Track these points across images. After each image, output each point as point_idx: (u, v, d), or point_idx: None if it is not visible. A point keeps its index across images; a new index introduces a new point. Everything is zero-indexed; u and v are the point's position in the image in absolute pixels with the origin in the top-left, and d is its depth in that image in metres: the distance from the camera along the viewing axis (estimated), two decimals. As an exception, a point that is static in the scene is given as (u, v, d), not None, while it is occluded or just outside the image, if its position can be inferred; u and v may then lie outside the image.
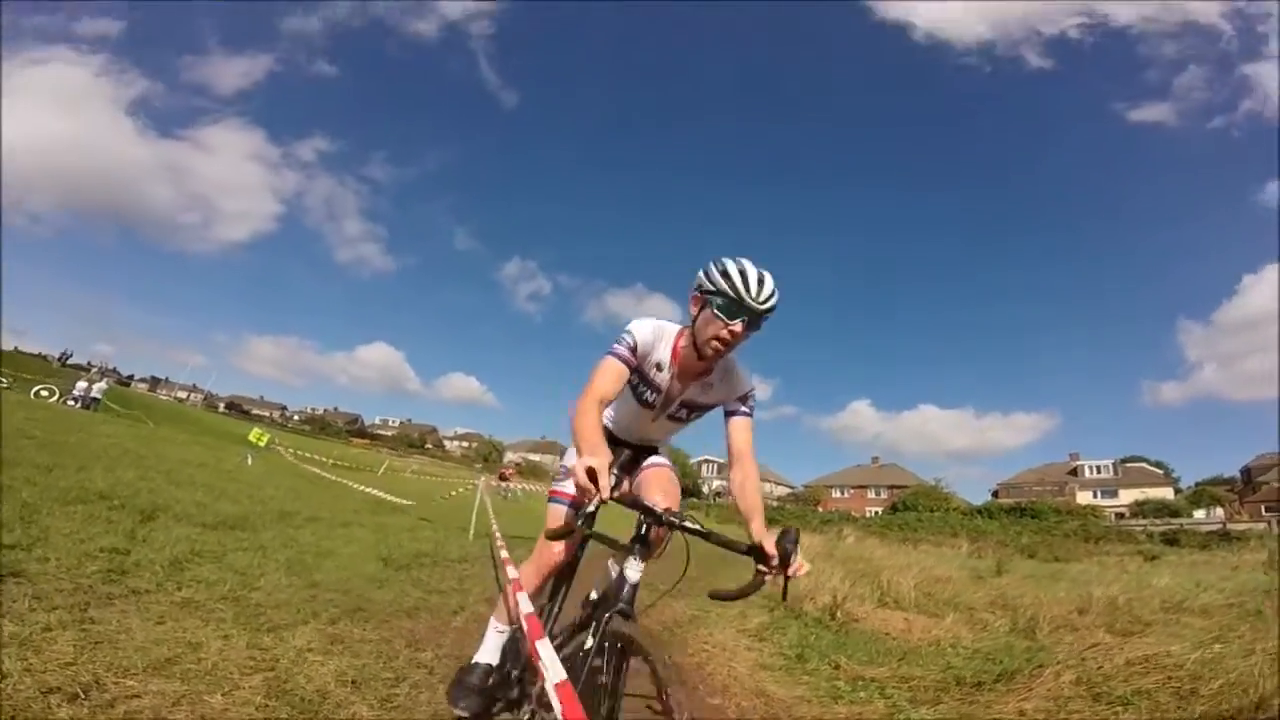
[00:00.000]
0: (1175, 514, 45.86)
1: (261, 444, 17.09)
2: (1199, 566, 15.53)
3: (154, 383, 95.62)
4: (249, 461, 13.19)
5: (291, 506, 7.37)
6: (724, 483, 67.15)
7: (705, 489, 66.59)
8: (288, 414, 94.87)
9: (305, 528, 6.12)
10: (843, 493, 64.54)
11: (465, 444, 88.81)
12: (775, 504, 58.30)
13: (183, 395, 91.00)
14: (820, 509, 57.51)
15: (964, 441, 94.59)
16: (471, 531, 8.58)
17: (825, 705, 3.36)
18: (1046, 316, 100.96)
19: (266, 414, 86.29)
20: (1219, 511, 46.68)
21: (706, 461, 72.12)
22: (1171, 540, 33.30)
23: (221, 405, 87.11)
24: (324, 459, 20.14)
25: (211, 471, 9.68)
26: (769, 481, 68.85)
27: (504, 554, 4.71)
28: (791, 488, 69.64)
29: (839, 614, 5.36)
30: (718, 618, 5.79)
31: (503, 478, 30.04)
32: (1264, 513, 44.13)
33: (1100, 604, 6.45)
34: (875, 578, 7.39)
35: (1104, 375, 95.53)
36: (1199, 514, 46.24)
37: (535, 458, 78.27)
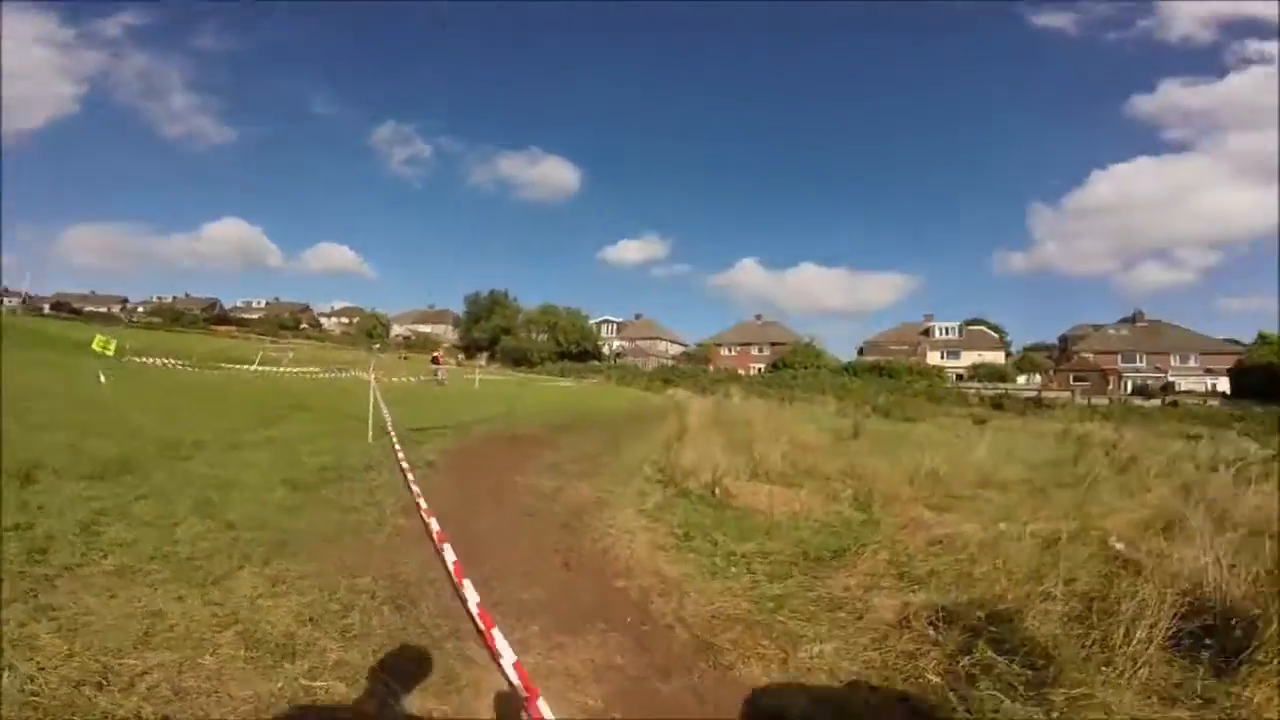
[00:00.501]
0: (1003, 378, 52.46)
1: (109, 353, 15.50)
2: (1014, 434, 17.49)
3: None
4: (102, 379, 12.12)
5: (170, 432, 7.14)
6: (624, 343, 69.36)
7: (605, 350, 68.37)
8: (129, 307, 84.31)
9: (194, 458, 6.07)
10: (730, 350, 68.71)
11: (345, 320, 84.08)
12: (670, 363, 61.46)
13: (-5, 301, 77.82)
14: (710, 367, 61.37)
15: (839, 300, 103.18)
16: (370, 431, 8.60)
17: (705, 581, 4.11)
18: (924, 185, 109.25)
19: (104, 310, 76.26)
20: (1037, 378, 54.21)
21: (606, 322, 73.56)
22: (997, 404, 38.10)
23: (46, 307, 75.76)
24: (188, 362, 18.61)
25: (65, 401, 8.96)
26: (663, 340, 71.79)
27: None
28: (684, 346, 73.18)
29: (717, 491, 6.28)
30: (619, 499, 6.57)
31: (435, 361, 28.42)
32: (1073, 381, 51.92)
33: (924, 477, 7.45)
34: (749, 449, 8.49)
35: (964, 242, 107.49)
36: (1021, 379, 53.43)
37: (425, 329, 76.01)
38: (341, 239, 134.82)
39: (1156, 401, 43.14)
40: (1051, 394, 45.15)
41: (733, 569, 4.34)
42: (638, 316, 76.67)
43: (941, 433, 17.66)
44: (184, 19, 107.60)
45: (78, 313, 66.86)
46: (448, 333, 73.86)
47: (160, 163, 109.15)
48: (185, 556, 3.41)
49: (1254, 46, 77.28)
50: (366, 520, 4.69)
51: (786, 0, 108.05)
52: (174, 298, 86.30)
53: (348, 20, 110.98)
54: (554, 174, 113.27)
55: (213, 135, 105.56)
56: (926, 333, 64.38)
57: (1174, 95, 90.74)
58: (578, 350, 62.48)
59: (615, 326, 74.39)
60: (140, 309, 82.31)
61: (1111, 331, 60.52)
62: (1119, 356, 56.53)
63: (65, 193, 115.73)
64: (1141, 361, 55.80)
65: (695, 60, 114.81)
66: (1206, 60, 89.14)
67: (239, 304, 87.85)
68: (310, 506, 4.87)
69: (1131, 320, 60.89)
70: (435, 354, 31.72)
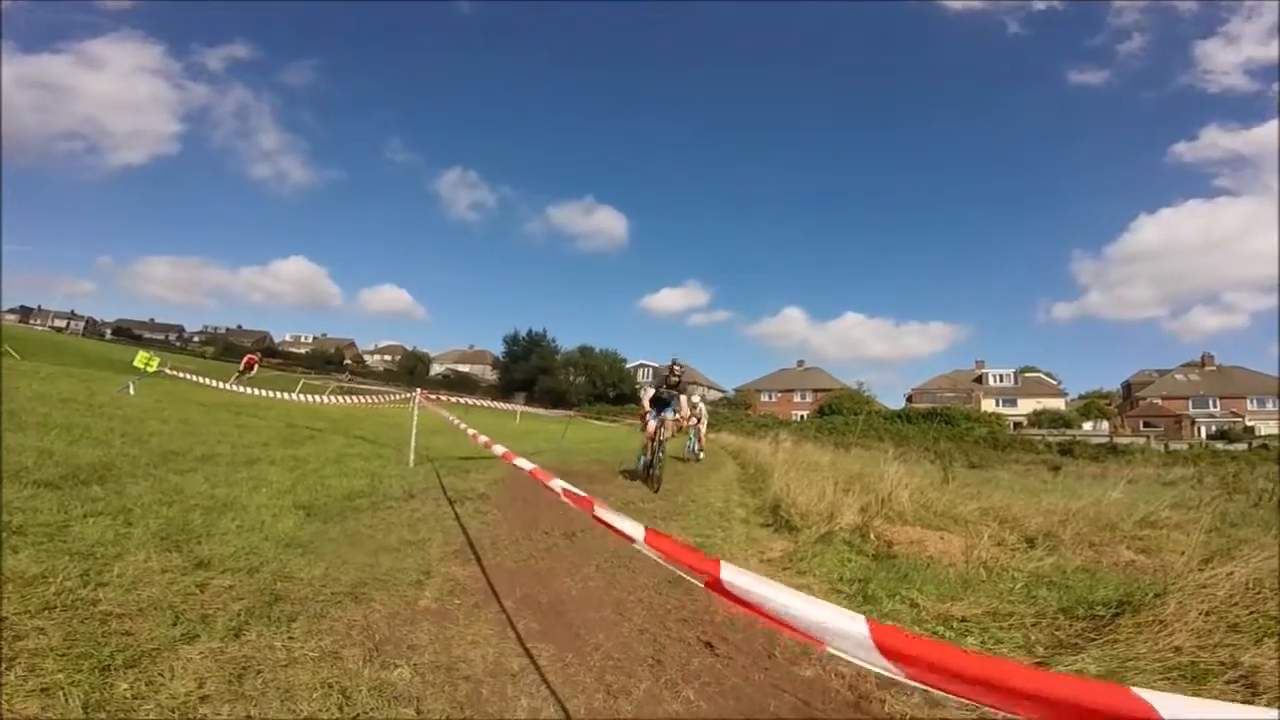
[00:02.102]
0: (1068, 424, 50.11)
1: (150, 369, 14.78)
2: (1102, 479, 16.21)
3: (24, 313, 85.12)
4: (130, 391, 11.22)
5: (180, 444, 5.90)
6: (660, 387, 68.59)
7: (642, 394, 67.07)
8: (185, 335, 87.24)
9: (196, 471, 4.76)
10: (770, 396, 66.66)
11: (387, 357, 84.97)
12: (710, 409, 59.60)
13: (60, 324, 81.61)
14: (750, 413, 59.29)
15: (882, 348, 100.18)
16: (411, 456, 7.40)
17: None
18: (966, 238, 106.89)
19: (161, 337, 79.02)
20: (1104, 424, 51.56)
21: (642, 366, 72.49)
22: (1066, 450, 36.09)
23: (108, 332, 78.93)
24: (225, 381, 17.90)
25: (76, 408, 7.88)
26: (702, 386, 70.23)
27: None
28: (723, 392, 71.31)
29: (872, 536, 4.66)
30: (725, 544, 5.04)
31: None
32: (1142, 427, 49.36)
33: (1081, 518, 6.14)
34: (869, 490, 6.82)
35: (1009, 291, 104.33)
36: (1087, 425, 50.82)
37: (464, 368, 76.02)
38: (399, 282, 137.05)
39: (1242, 445, 40.18)
40: (1124, 439, 42.41)
41: (969, 639, 2.87)
42: (674, 361, 75.51)
43: (1028, 479, 15.93)
44: (283, 55, 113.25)
45: (137, 338, 69.23)
46: (486, 373, 73.77)
47: (242, 200, 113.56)
48: (104, 612, 2.01)
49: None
50: (405, 567, 3.23)
51: (825, 66, 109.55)
52: (227, 329, 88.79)
53: (424, 65, 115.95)
54: (605, 223, 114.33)
55: (295, 176, 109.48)
56: (979, 379, 61.61)
57: (1217, 140, 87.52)
58: (614, 393, 61.34)
59: (651, 371, 73.29)
60: (195, 338, 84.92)
61: (1179, 377, 57.48)
62: (1189, 401, 53.61)
63: (148, 225, 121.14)
64: (1215, 406, 52.79)
65: (743, 114, 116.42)
66: (1248, 105, 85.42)
67: (288, 338, 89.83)
68: (327, 543, 3.45)
69: (1200, 365, 57.69)
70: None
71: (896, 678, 0.79)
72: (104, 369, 19.83)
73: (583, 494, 1.87)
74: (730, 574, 1.09)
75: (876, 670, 0.83)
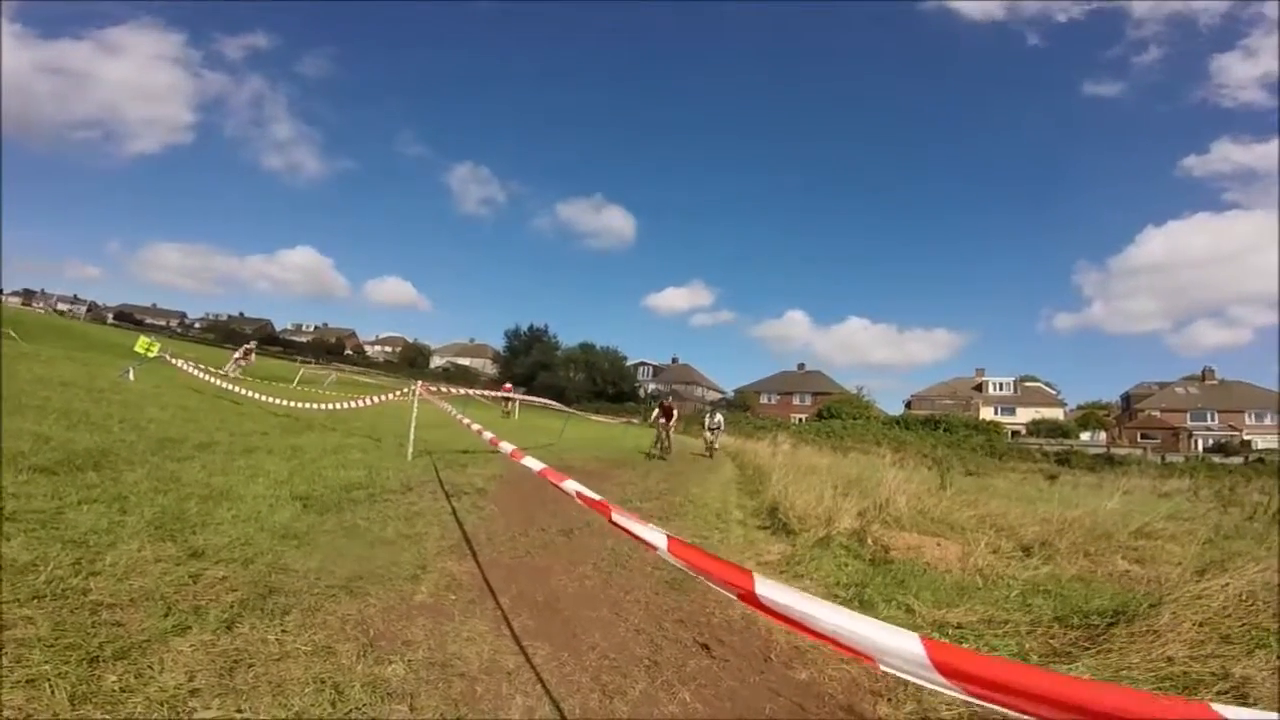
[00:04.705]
0: (1065, 434, 50.19)
1: (151, 355, 14.75)
2: (1098, 489, 16.20)
3: (27, 295, 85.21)
4: (130, 376, 11.19)
5: (178, 431, 5.88)
6: (659, 387, 68.35)
7: (642, 392, 66.98)
8: (188, 322, 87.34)
9: (193, 459, 4.73)
10: (770, 398, 66.61)
11: (388, 349, 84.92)
12: (709, 409, 59.50)
13: (64, 308, 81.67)
14: (750, 414, 59.28)
15: (885, 354, 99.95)
16: (410, 450, 7.38)
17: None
18: (973, 246, 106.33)
19: (163, 323, 79.05)
20: (1102, 435, 51.65)
21: (643, 364, 72.55)
22: (1063, 460, 36.00)
23: (110, 316, 79.03)
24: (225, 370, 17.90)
25: (77, 392, 7.86)
26: (700, 385, 70.22)
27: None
28: (722, 393, 71.31)
29: (870, 540, 4.64)
30: (722, 546, 5.02)
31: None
32: (1140, 439, 49.41)
33: (1077, 528, 6.16)
34: (866, 494, 6.81)
35: (1012, 300, 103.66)
36: (1085, 436, 50.89)
37: (464, 361, 75.86)
38: (404, 274, 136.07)
39: (1238, 459, 40.19)
40: (1121, 451, 42.45)
41: (962, 645, 2.79)
42: (674, 360, 75.44)
43: (1024, 487, 16.01)
44: (300, 45, 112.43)
45: (139, 324, 69.20)
46: (486, 366, 73.68)
47: (254, 190, 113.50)
48: (94, 601, 1.99)
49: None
50: (401, 561, 3.21)
51: (837, 71, 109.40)
52: (229, 316, 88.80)
53: (438, 59, 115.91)
54: (614, 222, 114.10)
55: (308, 166, 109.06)
56: (979, 388, 61.62)
57: (1229, 154, 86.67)
58: (614, 391, 61.29)
59: (652, 370, 73.24)
60: (197, 325, 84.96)
61: (1179, 390, 57.45)
62: (1188, 414, 53.58)
63: (158, 212, 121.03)
64: (1213, 420, 52.69)
65: (754, 118, 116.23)
66: (1263, 119, 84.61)
67: (289, 326, 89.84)
68: (323, 535, 3.43)
69: (1200, 378, 57.70)
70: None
71: (957, 695, 0.77)
72: (105, 353, 19.81)
73: (598, 497, 1.81)
74: (766, 589, 1.05)
75: (935, 689, 0.81)
